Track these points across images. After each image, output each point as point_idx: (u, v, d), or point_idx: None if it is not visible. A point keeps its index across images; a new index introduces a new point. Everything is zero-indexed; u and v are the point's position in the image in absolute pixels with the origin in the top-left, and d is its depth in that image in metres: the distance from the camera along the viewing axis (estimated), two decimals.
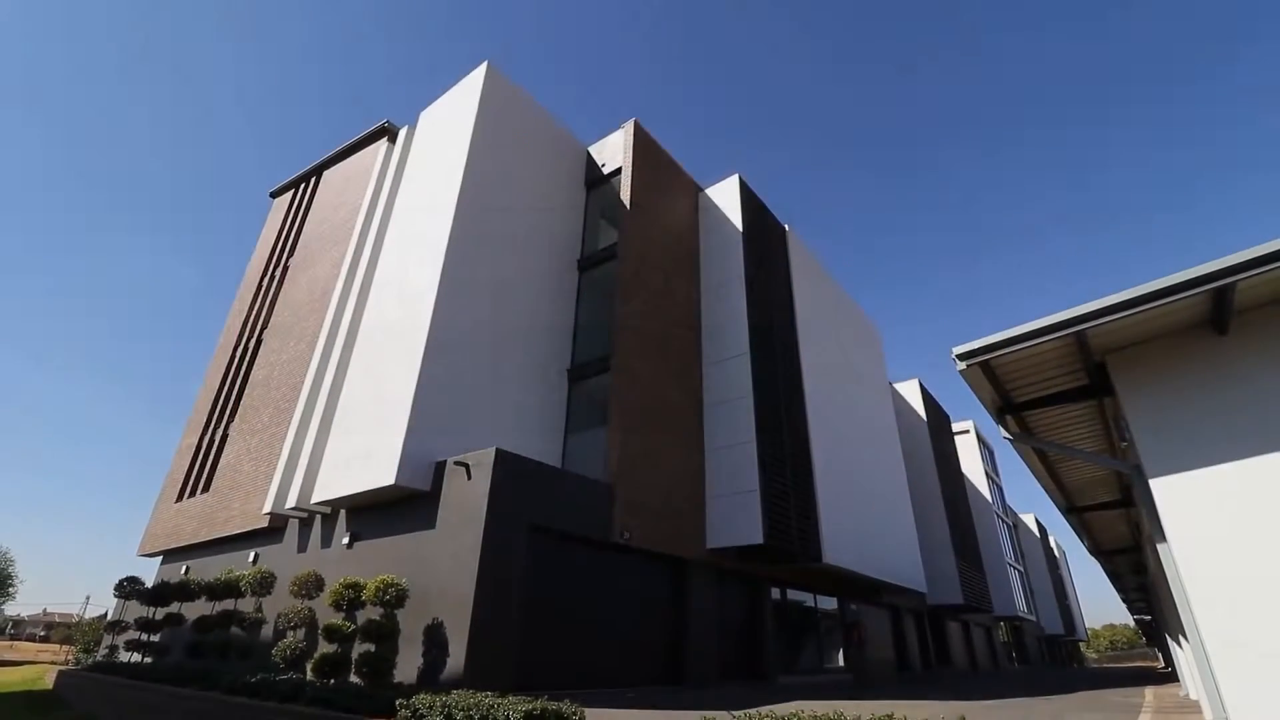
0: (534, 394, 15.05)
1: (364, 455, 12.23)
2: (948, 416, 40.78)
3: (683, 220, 20.96)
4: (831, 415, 22.24)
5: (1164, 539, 4.75)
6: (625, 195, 18.14)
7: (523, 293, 15.76)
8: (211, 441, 19.76)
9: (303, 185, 24.54)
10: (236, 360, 21.42)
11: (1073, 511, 10.40)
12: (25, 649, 50.53)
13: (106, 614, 23.14)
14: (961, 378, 5.22)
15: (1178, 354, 5.10)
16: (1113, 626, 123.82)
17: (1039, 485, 8.74)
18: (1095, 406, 6.35)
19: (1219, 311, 4.79)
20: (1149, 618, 30.88)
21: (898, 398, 35.33)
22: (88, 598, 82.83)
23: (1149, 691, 14.93)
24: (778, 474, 17.36)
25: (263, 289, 22.82)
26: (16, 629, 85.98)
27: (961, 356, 5.13)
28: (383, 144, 19.59)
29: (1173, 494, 4.67)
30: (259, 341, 20.77)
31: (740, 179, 21.85)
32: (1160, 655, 43.25)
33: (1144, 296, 4.60)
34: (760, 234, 21.90)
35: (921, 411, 35.45)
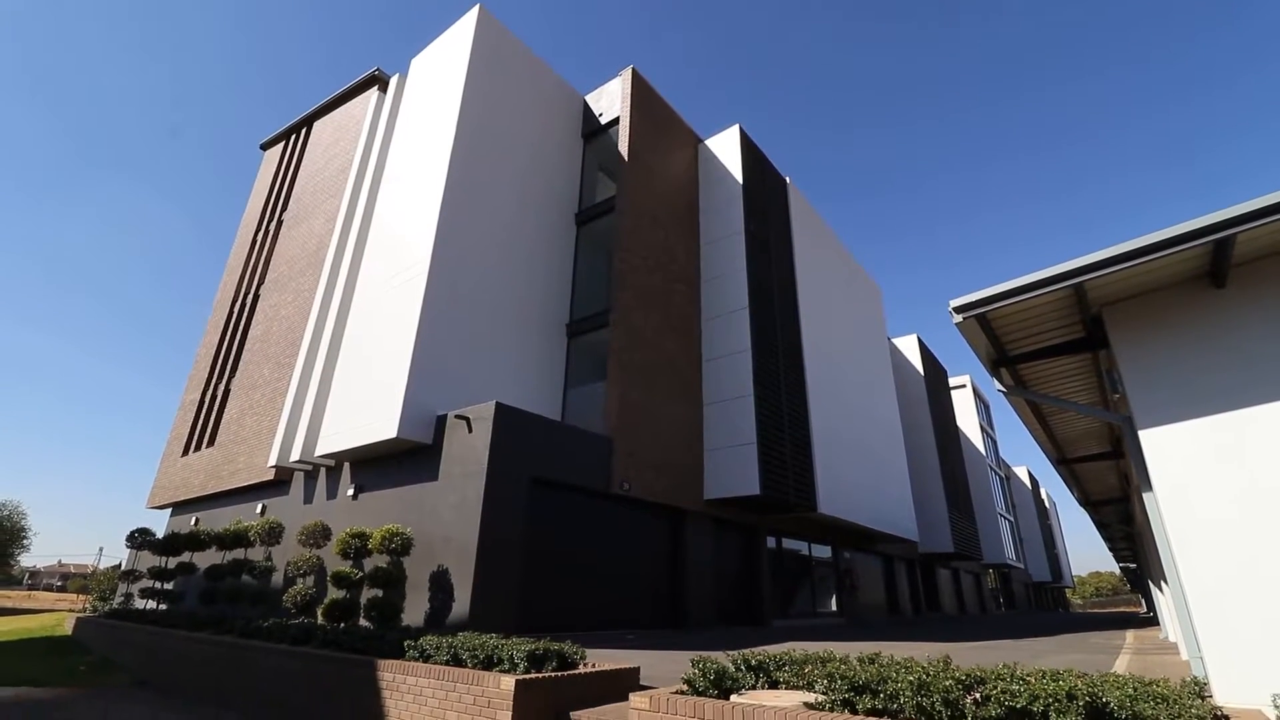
0: (534, 348, 15.10)
1: (366, 409, 12.36)
2: (945, 371, 41.01)
3: (682, 173, 20.58)
4: (829, 369, 22.37)
5: (1150, 488, 4.86)
6: (623, 146, 17.76)
7: (520, 247, 15.61)
8: (214, 397, 19.92)
9: (293, 137, 23.98)
10: (234, 316, 21.38)
11: (1063, 463, 10.59)
12: (43, 598, 52.10)
13: (120, 564, 23.80)
14: (958, 331, 5.24)
15: (1174, 307, 5.12)
16: (1098, 574, 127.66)
17: (1031, 438, 8.88)
18: (1089, 359, 6.40)
19: (1218, 264, 4.78)
20: (1133, 565, 31.78)
21: (896, 353, 35.47)
22: (101, 549, 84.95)
23: (1130, 634, 15.53)
24: (775, 427, 17.58)
25: (257, 244, 22.59)
26: (33, 580, 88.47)
27: (958, 309, 5.14)
28: (373, 93, 19.06)
29: (1160, 445, 4.77)
30: (256, 297, 20.69)
31: (740, 130, 21.36)
32: (1143, 601, 44.76)
33: (1145, 248, 4.59)
34: (760, 187, 21.55)
35: (919, 366, 35.62)
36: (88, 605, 23.54)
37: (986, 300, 5.11)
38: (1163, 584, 9.77)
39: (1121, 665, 8.35)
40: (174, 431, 21.25)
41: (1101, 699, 3.12)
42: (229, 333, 21.15)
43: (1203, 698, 3.27)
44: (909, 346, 36.55)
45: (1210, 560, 4.31)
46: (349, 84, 20.85)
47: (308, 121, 23.29)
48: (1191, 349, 4.93)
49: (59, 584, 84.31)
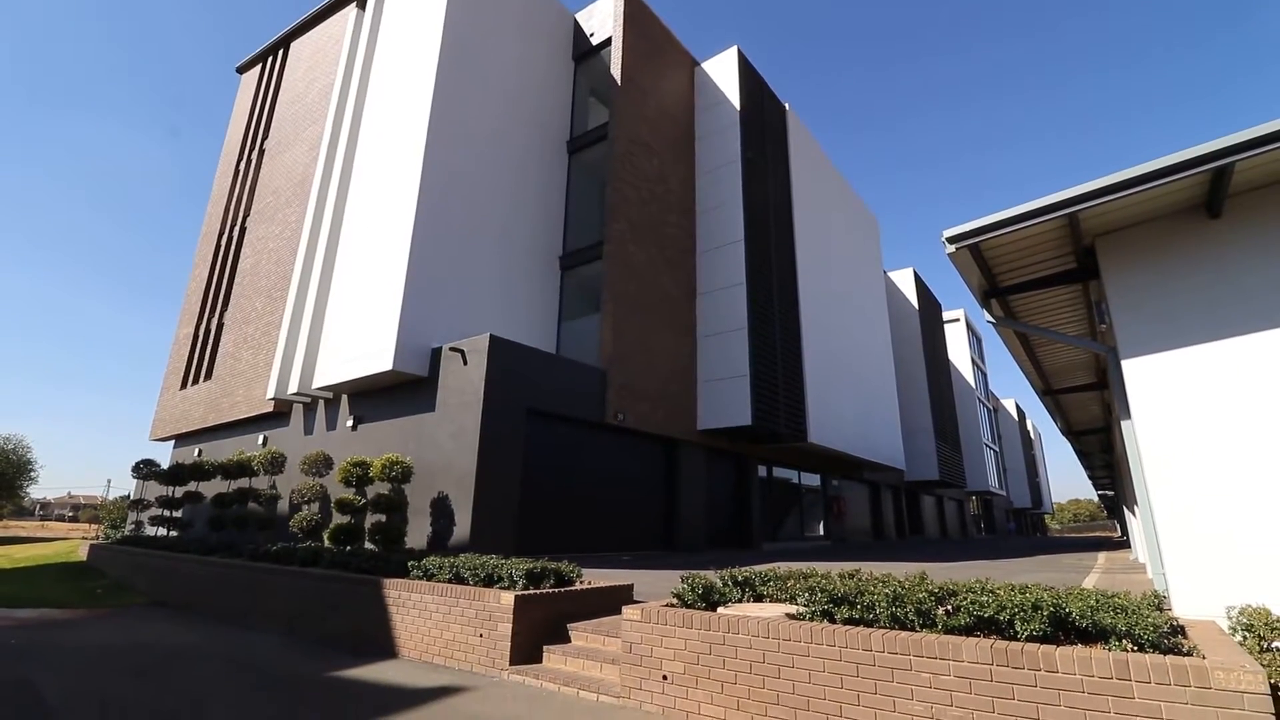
0: (527, 281, 14.99)
1: (361, 342, 12.39)
2: (939, 305, 41.05)
3: (678, 98, 19.82)
4: (824, 301, 22.36)
5: (1129, 416, 4.99)
6: (616, 69, 17.02)
7: (511, 176, 15.21)
8: (207, 331, 19.85)
9: (270, 59, 22.82)
10: (222, 249, 21.01)
11: (1049, 394, 10.79)
12: (56, 528, 53.52)
13: (129, 495, 24.40)
14: (951, 262, 5.22)
15: (1166, 237, 5.09)
16: (1077, 501, 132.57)
17: (1019, 369, 9.01)
18: (1079, 291, 6.42)
19: (1214, 193, 4.73)
20: (1111, 493, 32.96)
21: (891, 286, 35.37)
22: (109, 481, 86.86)
23: (1102, 556, 16.31)
24: (768, 359, 17.74)
25: (240, 174, 21.92)
26: (45, 511, 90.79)
27: (951, 239, 5.10)
28: (352, 10, 18.02)
29: (1141, 374, 4.86)
30: (243, 229, 20.27)
31: (739, 52, 20.42)
32: (1117, 526, 46.70)
33: (1142, 176, 4.52)
34: (759, 113, 20.82)
35: (914, 300, 35.62)
36: (100, 534, 24.27)
37: (980, 230, 5.07)
38: (1135, 508, 10.19)
39: (1090, 583, 8.82)
40: (170, 365, 21.30)
41: (1065, 609, 3.32)
42: (217, 266, 20.85)
43: (1161, 609, 3.49)
44: (905, 281, 36.42)
45: (1178, 485, 4.49)
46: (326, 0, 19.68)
47: (285, 41, 22.11)
48: (1181, 281, 4.95)
49: (70, 515, 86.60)
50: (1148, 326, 4.93)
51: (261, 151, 21.04)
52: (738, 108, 19.56)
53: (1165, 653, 3.01)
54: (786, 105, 23.04)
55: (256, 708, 4.57)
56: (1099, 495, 42.97)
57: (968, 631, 3.50)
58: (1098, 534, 66.35)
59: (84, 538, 24.04)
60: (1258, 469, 4.26)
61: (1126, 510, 14.15)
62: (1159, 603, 3.61)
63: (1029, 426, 70.65)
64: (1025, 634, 3.28)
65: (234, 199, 21.64)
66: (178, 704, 4.62)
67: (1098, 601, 3.41)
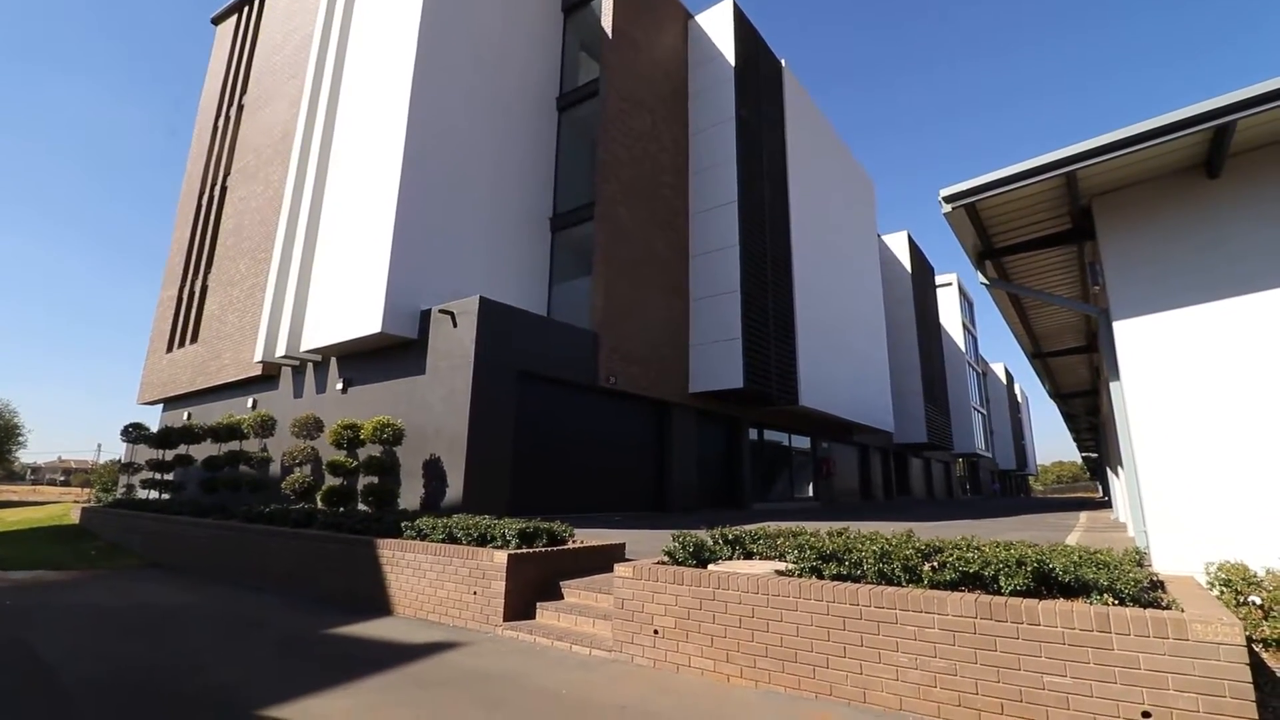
0: (518, 243, 14.76)
1: (348, 304, 12.22)
2: (932, 269, 40.98)
3: (671, 53, 19.24)
4: (818, 264, 22.25)
5: (1118, 378, 5.02)
6: (606, 21, 16.45)
7: (500, 134, 14.81)
8: (191, 294, 19.53)
9: (246, 8, 21.89)
10: (203, 209, 20.51)
11: (1038, 356, 10.86)
12: (48, 492, 53.51)
13: (119, 458, 24.38)
14: (946, 221, 5.15)
15: (1163, 198, 5.03)
16: (1060, 463, 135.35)
17: (1010, 331, 9.03)
18: (1073, 254, 6.38)
19: (1215, 153, 4.66)
20: (1094, 455, 33.60)
21: (885, 249, 35.21)
22: (99, 445, 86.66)
23: (1084, 515, 16.71)
24: (760, 322, 17.72)
25: (219, 131, 21.24)
26: (36, 475, 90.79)
27: (948, 199, 5.02)
28: None
29: (1132, 335, 4.87)
30: (224, 189, 19.76)
31: (734, 4, 19.76)
32: (1099, 487, 47.82)
33: (1142, 135, 4.43)
34: (754, 70, 20.29)
35: (907, 264, 35.52)
36: (92, 497, 24.30)
37: (977, 190, 4.99)
38: (1119, 469, 10.38)
39: (1072, 541, 9.03)
40: (155, 328, 21.01)
41: (1048, 565, 3.38)
42: (199, 227, 20.39)
43: (1141, 565, 3.56)
44: (898, 244, 36.25)
45: (1163, 444, 4.55)
46: None
47: None
48: (1176, 243, 4.92)
49: (62, 479, 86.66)
50: (1140, 288, 4.92)
51: (240, 108, 20.37)
52: (732, 64, 19.04)
53: (1145, 606, 3.08)
54: (783, 61, 22.45)
55: (255, 662, 4.62)
56: (1082, 457, 43.82)
57: (953, 587, 3.57)
58: (1079, 495, 67.98)
59: (75, 501, 24.07)
60: (1241, 429, 4.31)
61: (1110, 471, 14.44)
62: (1140, 559, 3.68)
63: (1016, 390, 71.53)
64: (1009, 589, 3.34)
65: (213, 158, 21.02)
66: (176, 660, 4.66)
67: (1080, 557, 3.47)
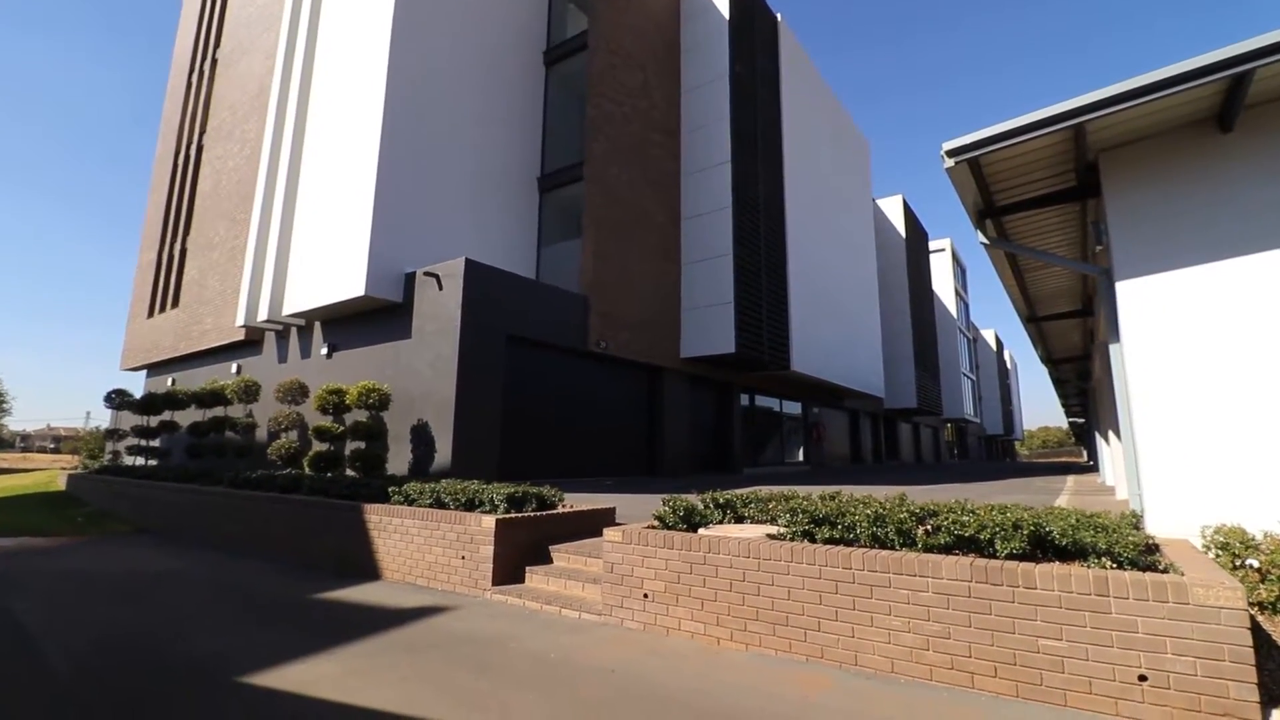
0: (505, 204, 14.38)
1: (330, 266, 11.90)
2: (926, 234, 40.69)
3: (662, 4, 18.54)
4: (811, 228, 21.95)
5: (1118, 339, 4.91)
6: None
7: (484, 89, 14.27)
8: (170, 257, 19.05)
9: None
10: (179, 170, 19.86)
11: (1032, 321, 10.78)
12: (39, 459, 53.20)
13: (104, 425, 24.14)
14: (948, 176, 4.96)
15: (1173, 153, 4.86)
16: (1046, 428, 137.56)
17: (1006, 295, 8.91)
18: (1075, 213, 6.22)
19: (1229, 104, 4.48)
20: (1082, 420, 34.01)
21: (879, 213, 34.84)
22: (88, 413, 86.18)
23: (1071, 479, 16.91)
24: (753, 286, 17.52)
25: (192, 87, 20.44)
26: (26, 443, 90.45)
27: (950, 153, 4.82)
28: None
29: (1135, 296, 4.74)
30: (200, 149, 19.09)
31: None
32: (1084, 452, 48.60)
33: (1156, 84, 4.23)
34: (748, 23, 19.61)
35: (901, 228, 35.21)
36: (79, 464, 24.14)
37: (982, 143, 4.78)
38: (1110, 434, 10.42)
39: (1061, 503, 9.09)
40: (135, 293, 20.57)
41: (1045, 528, 3.31)
42: (176, 188, 19.78)
43: (1137, 528, 3.50)
44: (893, 208, 35.86)
45: (1162, 406, 4.47)
46: None
47: None
48: (1183, 200, 4.76)
49: (52, 446, 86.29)
50: (1145, 246, 4.78)
51: (214, 62, 19.54)
52: (726, 17, 18.39)
53: (1143, 570, 3.02)
54: (779, 15, 21.73)
55: (240, 627, 4.56)
56: (1069, 423, 44.40)
57: (947, 550, 3.51)
58: (1063, 459, 69.19)
59: (62, 468, 23.90)
60: (1241, 392, 4.24)
61: (1099, 436, 14.55)
62: (1136, 522, 3.63)
63: (1006, 356, 72.09)
64: (1005, 552, 3.28)
65: (188, 115, 20.27)
66: (160, 627, 4.59)
67: (1078, 520, 3.41)
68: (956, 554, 3.44)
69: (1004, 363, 69.90)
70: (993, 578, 3.12)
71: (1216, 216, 4.59)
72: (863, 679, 3.29)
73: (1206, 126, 4.76)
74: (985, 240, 5.75)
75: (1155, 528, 4.31)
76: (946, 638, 3.18)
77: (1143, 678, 2.73)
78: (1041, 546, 3.35)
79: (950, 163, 4.79)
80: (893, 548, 3.61)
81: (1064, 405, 29.96)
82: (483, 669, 3.53)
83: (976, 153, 4.74)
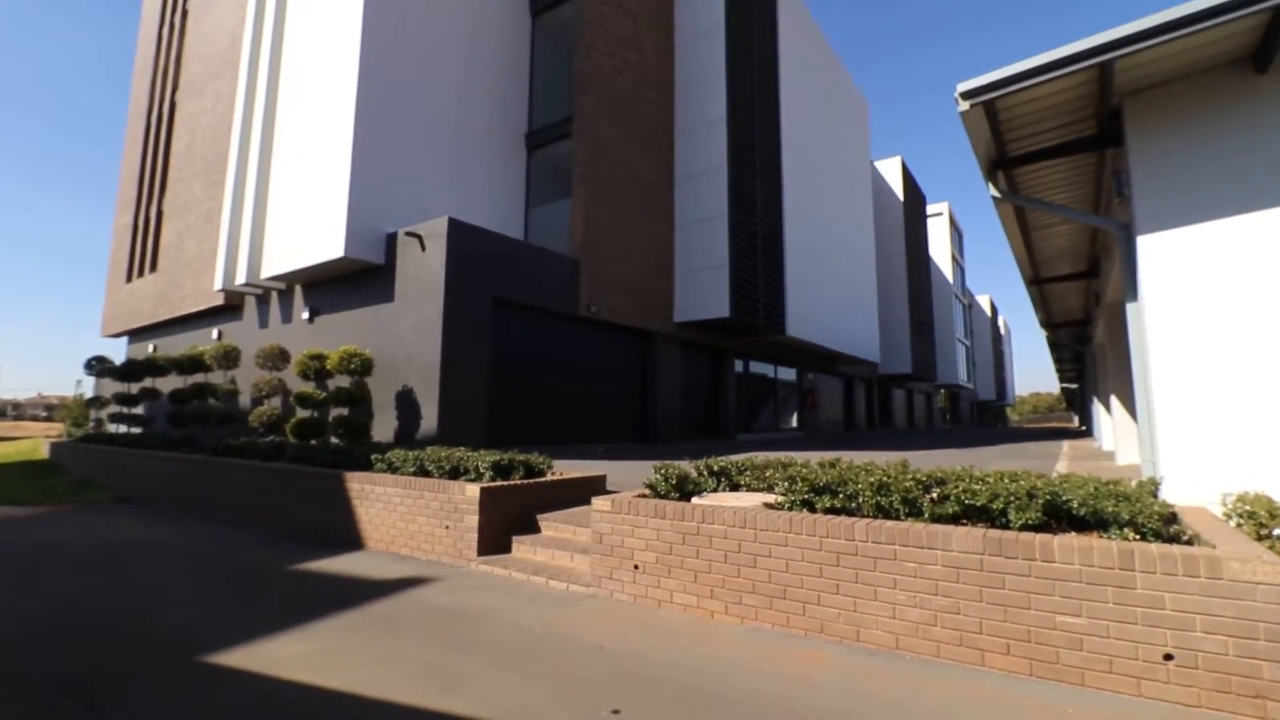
0: (491, 162, 13.83)
1: (309, 227, 11.43)
2: (924, 198, 40.08)
3: None
4: (808, 189, 21.42)
5: (1135, 298, 4.65)
6: None
7: (467, 40, 13.56)
8: (146, 220, 18.42)
9: None
10: (152, 129, 19.06)
11: (1035, 283, 10.52)
12: (31, 428, 52.74)
13: (86, 393, 23.75)
14: (961, 121, 4.60)
15: (1203, 97, 4.51)
16: (1036, 394, 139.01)
17: (1012, 255, 8.61)
18: (1090, 165, 5.89)
19: (1268, 40, 4.13)
20: (1075, 385, 34.08)
21: (877, 176, 34.17)
22: (79, 380, 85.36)
23: (1066, 444, 16.89)
24: (748, 249, 17.12)
25: (163, 41, 19.47)
26: (18, 411, 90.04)
27: (965, 94, 4.46)
28: None
29: (1157, 251, 4.46)
30: (173, 106, 18.28)
31: None
32: (1075, 417, 48.96)
33: (1190, 16, 3.88)
34: None
35: (899, 191, 34.59)
36: (64, 432, 23.83)
37: (999, 84, 4.42)
38: (1113, 399, 10.24)
39: (1062, 468, 8.97)
40: (113, 257, 19.96)
41: (1062, 497, 3.09)
42: (150, 148, 19.01)
43: (1154, 496, 3.29)
44: (891, 170, 35.18)
45: (1183, 368, 4.23)
46: None
47: None
48: (1213, 149, 4.44)
49: (45, 415, 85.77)
50: (1170, 199, 4.47)
51: (185, 13, 18.58)
52: None
53: (1168, 541, 2.82)
54: None
55: (214, 601, 4.35)
56: (1061, 388, 44.58)
57: (954, 520, 3.31)
58: (1054, 424, 69.87)
59: (46, 437, 23.59)
60: (1270, 352, 3.99)
61: (1097, 401, 14.44)
62: (1154, 489, 3.42)
63: (1000, 322, 72.11)
64: (1019, 523, 3.06)
65: (159, 71, 19.36)
66: (130, 600, 4.38)
67: (1097, 489, 3.19)
68: (964, 524, 3.23)
69: (998, 329, 69.94)
70: (1007, 550, 2.90)
71: (1248, 167, 4.28)
72: (865, 655, 3.10)
73: (1241, 68, 4.41)
74: (997, 194, 5.42)
75: (1171, 494, 4.12)
76: (956, 613, 2.98)
77: (1169, 656, 2.54)
78: (1056, 516, 3.14)
79: (964, 105, 4.43)
80: (897, 517, 3.40)
81: (1058, 371, 29.99)
82: (463, 646, 3.33)
83: (993, 94, 4.39)
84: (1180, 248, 4.38)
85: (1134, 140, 4.67)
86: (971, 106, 4.45)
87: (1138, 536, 2.87)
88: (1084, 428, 32.14)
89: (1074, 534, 2.97)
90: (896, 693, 2.70)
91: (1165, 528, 2.90)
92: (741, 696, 2.69)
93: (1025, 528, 3.05)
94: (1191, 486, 4.04)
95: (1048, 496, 3.12)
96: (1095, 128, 5.05)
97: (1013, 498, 3.14)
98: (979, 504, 3.21)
